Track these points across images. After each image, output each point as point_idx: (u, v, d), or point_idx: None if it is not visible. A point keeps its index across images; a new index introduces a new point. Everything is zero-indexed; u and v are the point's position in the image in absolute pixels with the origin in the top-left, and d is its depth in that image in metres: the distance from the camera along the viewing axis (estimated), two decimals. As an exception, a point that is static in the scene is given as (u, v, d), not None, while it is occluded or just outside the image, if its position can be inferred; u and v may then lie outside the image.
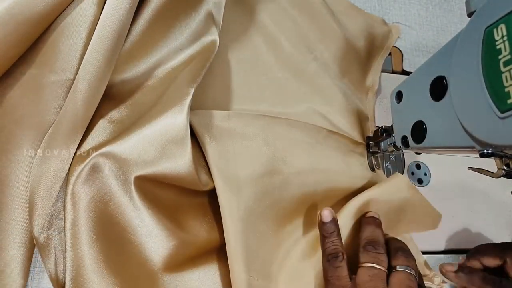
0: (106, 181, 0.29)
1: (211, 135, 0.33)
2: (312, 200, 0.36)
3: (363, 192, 0.35)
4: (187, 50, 0.34)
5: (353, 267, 0.30)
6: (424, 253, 0.40)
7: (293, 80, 0.40)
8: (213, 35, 0.34)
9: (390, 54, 0.47)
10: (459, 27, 0.52)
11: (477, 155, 0.25)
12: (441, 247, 0.41)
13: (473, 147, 0.25)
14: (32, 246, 0.29)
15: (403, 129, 0.33)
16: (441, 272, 0.36)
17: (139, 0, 0.30)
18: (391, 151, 0.37)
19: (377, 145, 0.40)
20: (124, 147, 0.29)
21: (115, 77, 0.32)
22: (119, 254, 0.29)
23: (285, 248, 0.34)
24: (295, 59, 0.41)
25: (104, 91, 0.30)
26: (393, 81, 0.46)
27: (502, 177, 0.27)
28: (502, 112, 0.22)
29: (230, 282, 0.30)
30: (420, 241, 0.40)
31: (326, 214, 0.31)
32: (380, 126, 0.38)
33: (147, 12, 0.31)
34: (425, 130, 0.30)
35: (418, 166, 0.44)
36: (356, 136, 0.41)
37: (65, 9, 0.29)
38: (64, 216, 0.29)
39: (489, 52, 0.23)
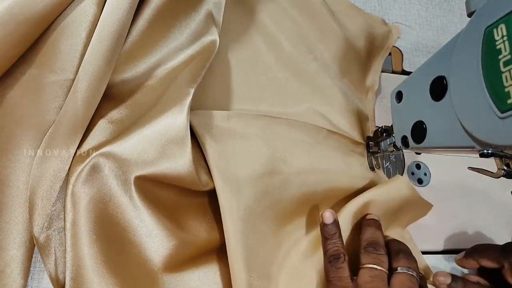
0: (106, 181, 0.29)
1: (211, 135, 0.33)
2: (312, 200, 0.36)
3: (363, 193, 0.35)
4: (187, 50, 0.34)
5: (354, 268, 0.30)
6: (424, 253, 0.40)
7: (293, 80, 0.40)
8: (213, 35, 0.34)
9: (390, 54, 0.47)
10: (459, 27, 0.52)
11: (477, 155, 0.25)
12: (441, 247, 0.41)
13: (473, 147, 0.25)
14: (32, 246, 0.29)
15: (403, 129, 0.33)
16: (434, 284, 0.36)
17: (139, 0, 0.30)
18: (391, 151, 0.37)
19: (377, 145, 0.40)
20: (124, 147, 0.29)
21: (115, 77, 0.32)
22: (119, 254, 0.29)
23: (285, 248, 0.34)
24: (295, 59, 0.41)
25: (104, 91, 0.30)
26: (393, 81, 0.46)
27: (502, 177, 0.27)
28: (502, 112, 0.22)
29: (230, 282, 0.30)
30: (420, 241, 0.40)
31: (328, 216, 0.31)
32: (380, 126, 0.38)
33: (147, 12, 0.31)
34: (425, 130, 0.30)
35: (418, 166, 0.44)
36: (356, 136, 0.41)
37: (65, 9, 0.29)
38: (64, 216, 0.29)
39: (489, 52, 0.23)
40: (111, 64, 0.29)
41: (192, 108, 0.31)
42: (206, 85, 0.36)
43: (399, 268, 0.29)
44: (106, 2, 0.28)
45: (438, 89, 0.28)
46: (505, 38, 0.22)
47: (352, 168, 0.39)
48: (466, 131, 0.26)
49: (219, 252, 0.33)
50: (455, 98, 0.26)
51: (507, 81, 0.22)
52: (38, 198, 0.29)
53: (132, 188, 0.29)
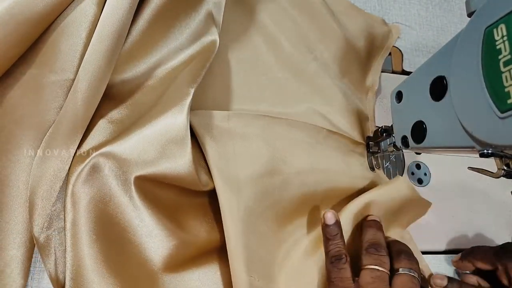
0: (106, 181, 0.29)
1: (211, 135, 0.33)
2: (312, 200, 0.36)
3: (363, 194, 0.35)
4: (187, 50, 0.34)
5: (355, 269, 0.30)
6: (424, 253, 0.40)
7: (293, 80, 0.40)
8: (213, 35, 0.34)
9: (390, 54, 0.47)
10: (459, 27, 0.52)
11: (477, 155, 0.25)
12: (441, 247, 0.41)
13: (473, 147, 0.25)
14: (32, 246, 0.29)
15: (403, 129, 0.33)
16: (430, 286, 0.36)
17: (139, 0, 0.30)
18: (391, 151, 0.37)
19: (377, 145, 0.40)
20: (124, 147, 0.29)
21: (115, 77, 0.32)
22: (119, 254, 0.29)
23: (286, 248, 0.34)
24: (295, 59, 0.41)
25: (104, 91, 0.30)
26: (393, 81, 0.46)
27: (502, 177, 0.27)
28: (502, 112, 0.22)
29: (230, 282, 0.30)
30: (420, 241, 0.40)
31: (329, 217, 0.31)
32: (380, 126, 0.38)
33: (147, 12, 0.31)
34: (425, 130, 0.30)
35: (418, 166, 0.44)
36: (356, 136, 0.41)
37: (65, 9, 0.29)
38: (64, 216, 0.29)
39: (489, 52, 0.23)
40: (111, 64, 0.29)
41: (192, 108, 0.31)
42: (206, 85, 0.36)
43: (400, 269, 0.30)
44: (106, 2, 0.28)
45: (438, 89, 0.28)
46: (505, 38, 0.22)
47: (352, 168, 0.39)
48: (466, 131, 0.26)
49: (219, 252, 0.33)
50: (455, 98, 0.26)
51: (507, 81, 0.22)
52: (38, 198, 0.29)
53: (132, 188, 0.29)
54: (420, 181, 0.43)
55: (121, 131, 0.31)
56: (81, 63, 0.28)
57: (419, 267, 0.31)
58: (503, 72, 0.22)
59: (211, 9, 0.35)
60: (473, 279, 0.37)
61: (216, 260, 0.33)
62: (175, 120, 0.29)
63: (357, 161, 0.40)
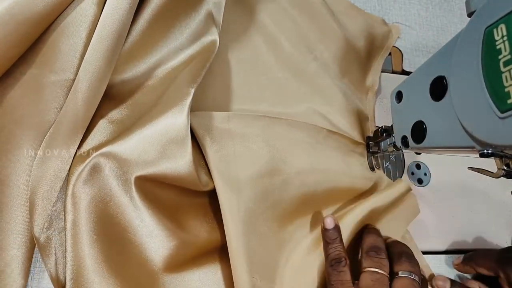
0: (106, 181, 0.29)
1: (211, 136, 0.33)
2: (312, 200, 0.36)
3: (364, 201, 0.35)
4: (187, 50, 0.34)
5: (355, 273, 0.30)
6: (424, 253, 0.40)
7: (293, 80, 0.40)
8: (213, 35, 0.34)
9: (390, 54, 0.47)
10: (459, 27, 0.52)
11: (477, 155, 0.25)
12: (441, 247, 0.41)
13: (473, 147, 0.25)
14: (33, 246, 0.29)
15: (403, 129, 0.33)
16: (432, 287, 0.36)
17: (139, 0, 0.30)
18: (391, 151, 0.37)
19: (377, 145, 0.40)
20: (125, 147, 0.29)
21: (115, 77, 0.32)
22: (119, 254, 0.29)
23: (287, 249, 0.34)
24: (295, 59, 0.41)
25: (104, 91, 0.30)
26: (393, 81, 0.46)
27: (502, 177, 0.27)
28: (502, 112, 0.22)
29: (231, 282, 0.30)
30: (420, 241, 0.40)
31: (329, 221, 0.32)
32: (380, 126, 0.38)
33: (147, 12, 0.31)
34: (425, 130, 0.30)
35: (418, 166, 0.44)
36: (356, 136, 0.41)
37: (65, 9, 0.29)
38: (64, 216, 0.29)
39: (489, 52, 0.23)
40: (111, 64, 0.29)
41: (192, 108, 0.31)
42: (206, 85, 0.36)
43: (400, 272, 0.29)
44: (106, 2, 0.28)
45: (438, 89, 0.28)
46: (505, 38, 0.22)
47: (352, 168, 0.39)
48: (466, 131, 0.26)
49: (220, 252, 0.33)
50: (455, 98, 0.26)
51: (507, 81, 0.22)
52: (38, 198, 0.29)
53: (133, 188, 0.29)
54: (420, 181, 0.43)
55: (122, 131, 0.31)
56: (81, 63, 0.28)
57: (419, 269, 0.31)
58: (503, 72, 0.22)
59: (211, 9, 0.35)
60: (475, 285, 0.37)
61: (217, 260, 0.33)
62: (175, 120, 0.29)
63: (357, 161, 0.40)
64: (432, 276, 0.38)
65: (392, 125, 0.36)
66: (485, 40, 0.24)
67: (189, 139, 0.30)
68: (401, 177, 0.43)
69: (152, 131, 0.29)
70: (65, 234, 0.28)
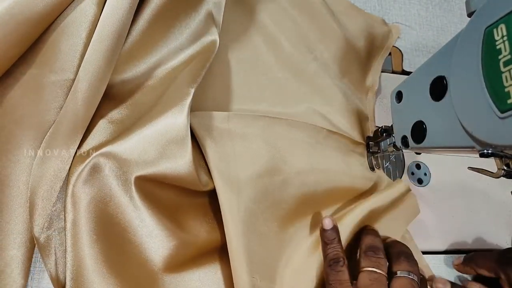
0: (106, 181, 0.29)
1: (211, 137, 0.33)
2: (312, 200, 0.36)
3: (364, 202, 0.35)
4: (187, 50, 0.34)
5: (354, 273, 0.30)
6: (424, 253, 0.40)
7: (293, 80, 0.40)
8: (213, 35, 0.34)
9: (390, 54, 0.47)
10: (459, 27, 0.52)
11: (477, 155, 0.25)
12: (441, 247, 0.41)
13: (473, 147, 0.25)
14: (33, 246, 0.29)
15: (403, 129, 0.33)
16: None
17: (139, 0, 0.30)
18: (391, 151, 0.37)
19: (377, 145, 0.40)
20: (125, 147, 0.29)
21: (115, 77, 0.32)
22: (119, 254, 0.29)
23: (287, 249, 0.34)
24: (295, 59, 0.41)
25: (104, 91, 0.30)
26: (393, 81, 0.46)
27: (502, 177, 0.27)
28: (502, 112, 0.22)
29: (231, 282, 0.30)
30: (420, 241, 0.40)
31: (327, 222, 0.32)
32: (380, 126, 0.38)
33: (147, 12, 0.31)
34: (425, 130, 0.30)
35: (418, 166, 0.44)
36: (356, 136, 0.41)
37: (65, 9, 0.29)
38: (64, 216, 0.29)
39: (489, 52, 0.23)
40: (111, 64, 0.29)
41: (192, 108, 0.31)
42: (206, 85, 0.36)
43: (399, 272, 0.29)
44: (106, 2, 0.28)
45: (438, 89, 0.28)
46: (505, 38, 0.22)
47: (352, 168, 0.39)
48: (466, 131, 0.26)
49: (220, 252, 0.33)
50: (455, 98, 0.26)
51: (507, 81, 0.22)
52: (38, 198, 0.29)
53: (133, 188, 0.29)
54: (420, 181, 0.43)
55: (121, 131, 0.31)
56: (81, 63, 0.28)
57: (418, 268, 0.31)
58: (503, 72, 0.22)
59: (211, 9, 0.35)
60: (476, 287, 0.37)
61: (217, 260, 0.33)
62: (175, 120, 0.29)
63: (357, 161, 0.40)
64: (432, 277, 0.38)
65: (392, 125, 0.36)
66: (485, 40, 0.24)
67: (189, 139, 0.30)
68: (401, 177, 0.43)
69: (152, 131, 0.29)
70: (65, 234, 0.28)
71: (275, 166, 0.34)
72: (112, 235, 0.29)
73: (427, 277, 0.38)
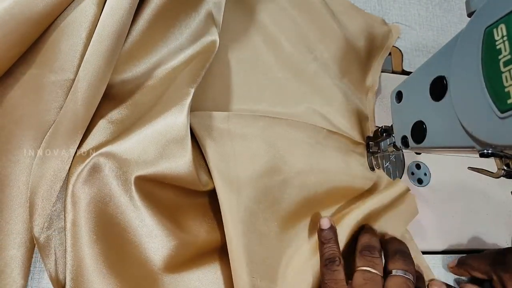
0: (106, 181, 0.29)
1: (211, 137, 0.33)
2: (312, 200, 0.36)
3: (364, 202, 0.35)
4: (187, 50, 0.34)
5: (350, 273, 0.30)
6: (424, 253, 0.40)
7: (293, 80, 0.40)
8: (213, 35, 0.34)
9: (390, 54, 0.47)
10: (459, 27, 0.52)
11: (477, 155, 0.25)
12: (441, 247, 0.41)
13: (473, 147, 0.25)
14: (32, 246, 0.29)
15: (403, 129, 0.33)
16: None
17: (139, 0, 0.30)
18: (391, 151, 0.37)
19: (377, 145, 0.40)
20: (125, 147, 0.29)
21: (115, 77, 0.32)
22: (119, 254, 0.29)
23: (288, 249, 0.34)
24: (295, 59, 0.41)
25: (104, 91, 0.30)
26: (393, 81, 0.46)
27: (502, 177, 0.27)
28: (502, 112, 0.22)
29: (230, 282, 0.30)
30: (420, 241, 0.40)
31: (325, 222, 0.32)
32: (380, 126, 0.38)
33: (147, 12, 0.31)
34: (425, 130, 0.30)
35: (418, 166, 0.44)
36: (356, 136, 0.41)
37: (65, 9, 0.29)
38: (64, 216, 0.29)
39: (489, 52, 0.23)
40: (111, 64, 0.29)
41: (192, 108, 0.31)
42: (206, 85, 0.36)
43: (394, 271, 0.30)
44: (106, 2, 0.28)
45: (438, 89, 0.28)
46: (505, 38, 0.22)
47: (352, 168, 0.39)
48: (466, 131, 0.26)
49: (219, 252, 0.33)
50: (455, 98, 0.26)
51: (507, 81, 0.22)
52: (38, 198, 0.29)
53: (132, 188, 0.29)
54: (420, 181, 0.43)
55: (121, 131, 0.31)
56: (81, 63, 0.28)
57: (414, 267, 0.31)
58: (503, 72, 0.22)
59: (211, 9, 0.35)
60: None
61: (216, 260, 0.33)
62: (175, 120, 0.29)
63: (357, 161, 0.40)
64: (433, 279, 0.38)
65: (392, 125, 0.36)
66: (485, 40, 0.24)
67: (189, 139, 0.30)
68: (401, 177, 0.43)
69: (152, 131, 0.29)
70: (65, 234, 0.28)
71: (275, 166, 0.34)
72: (112, 235, 0.29)
73: (427, 279, 0.38)
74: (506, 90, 0.22)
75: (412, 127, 0.32)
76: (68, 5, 0.29)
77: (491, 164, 0.28)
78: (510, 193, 0.45)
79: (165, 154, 0.29)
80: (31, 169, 0.29)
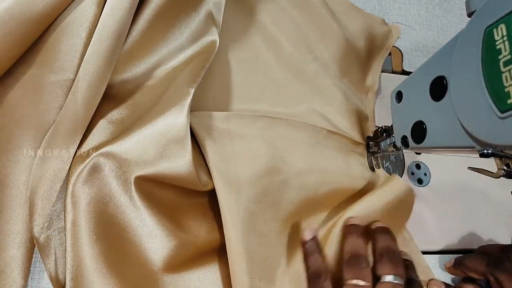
0: (106, 181, 0.29)
1: (211, 137, 0.33)
2: (312, 201, 0.36)
3: (359, 203, 0.35)
4: (187, 50, 0.34)
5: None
6: (424, 253, 0.40)
7: (293, 80, 0.40)
8: (213, 35, 0.34)
9: (390, 54, 0.47)
10: (459, 27, 0.52)
11: (477, 155, 0.25)
12: (441, 247, 0.41)
13: (473, 147, 0.25)
14: (32, 246, 0.29)
15: (403, 129, 0.33)
16: None
17: (139, 0, 0.30)
18: (391, 151, 0.37)
19: (377, 145, 0.40)
20: (124, 147, 0.29)
21: (115, 77, 0.32)
22: (119, 254, 0.29)
23: (288, 250, 0.34)
24: (295, 59, 0.41)
25: (104, 91, 0.30)
26: (393, 81, 0.46)
27: (502, 177, 0.27)
28: (502, 112, 0.22)
29: (230, 282, 0.30)
30: (420, 241, 0.40)
31: (306, 234, 0.32)
32: (380, 126, 0.38)
33: (147, 12, 0.31)
34: (425, 130, 0.30)
35: (418, 166, 0.44)
36: (356, 136, 0.41)
37: (65, 9, 0.29)
38: (64, 216, 0.29)
39: (489, 52, 0.23)
40: (111, 64, 0.29)
41: (192, 108, 0.31)
42: (206, 85, 0.36)
43: (382, 277, 0.28)
44: (106, 2, 0.28)
45: (438, 89, 0.28)
46: (505, 38, 0.22)
47: (352, 168, 0.39)
48: (466, 131, 0.26)
49: (219, 253, 0.33)
50: (455, 98, 0.26)
51: (507, 81, 0.22)
52: (38, 198, 0.29)
53: (132, 188, 0.29)
54: (420, 181, 0.43)
55: (121, 131, 0.31)
56: (81, 63, 0.28)
57: (402, 267, 0.29)
58: (503, 72, 0.22)
59: (211, 9, 0.35)
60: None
61: (216, 260, 0.33)
62: (175, 120, 0.29)
63: (357, 161, 0.40)
64: (429, 282, 0.38)
65: (392, 125, 0.36)
66: (485, 40, 0.24)
67: (188, 139, 0.30)
68: (401, 177, 0.43)
69: (152, 131, 0.29)
70: (65, 234, 0.28)
71: (275, 166, 0.34)
72: (112, 235, 0.29)
73: (427, 279, 0.38)
74: (506, 90, 0.22)
75: (412, 127, 0.32)
76: (68, 5, 0.29)
77: (491, 164, 0.28)
78: (510, 193, 0.45)
79: (165, 154, 0.29)
80: (31, 169, 0.29)
